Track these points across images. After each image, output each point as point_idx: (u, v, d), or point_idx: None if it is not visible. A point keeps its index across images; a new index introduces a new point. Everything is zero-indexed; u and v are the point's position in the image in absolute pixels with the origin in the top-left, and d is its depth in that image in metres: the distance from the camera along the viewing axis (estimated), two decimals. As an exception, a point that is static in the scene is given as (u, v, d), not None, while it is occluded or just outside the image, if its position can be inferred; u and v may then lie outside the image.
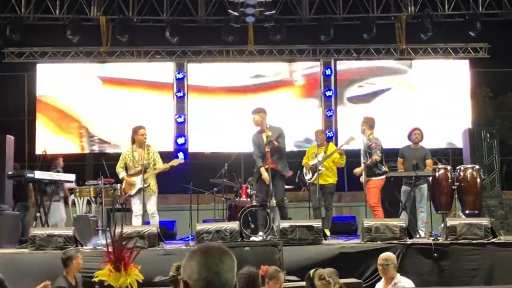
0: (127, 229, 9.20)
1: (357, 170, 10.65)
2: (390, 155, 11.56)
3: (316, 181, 10.62)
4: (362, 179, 10.46)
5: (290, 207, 12.18)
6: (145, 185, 9.74)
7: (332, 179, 10.94)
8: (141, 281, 5.31)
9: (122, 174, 9.93)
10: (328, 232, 10.45)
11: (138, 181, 9.79)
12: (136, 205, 9.85)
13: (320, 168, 10.64)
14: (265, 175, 9.62)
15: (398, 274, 7.27)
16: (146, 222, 9.94)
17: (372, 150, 10.30)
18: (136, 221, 9.76)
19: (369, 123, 10.64)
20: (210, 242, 7.68)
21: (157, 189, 10.02)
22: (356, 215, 13.88)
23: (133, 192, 9.83)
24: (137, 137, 9.94)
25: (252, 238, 9.75)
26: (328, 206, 10.93)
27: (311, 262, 8.29)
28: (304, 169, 11.17)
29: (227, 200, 12.25)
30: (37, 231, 9.34)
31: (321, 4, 15.23)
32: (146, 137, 9.95)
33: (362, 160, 10.47)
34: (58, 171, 11.77)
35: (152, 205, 9.88)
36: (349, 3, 15.14)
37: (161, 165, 9.97)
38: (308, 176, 11.00)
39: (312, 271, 6.58)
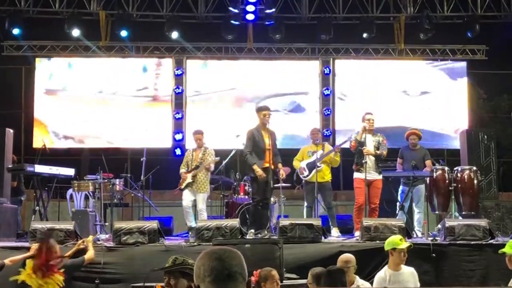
0: (128, 224, 9.26)
1: (371, 151, 10.40)
2: (389, 155, 11.60)
3: (313, 179, 10.61)
4: (365, 176, 10.16)
5: (286, 205, 12.24)
6: (191, 181, 10.56)
7: (328, 177, 10.95)
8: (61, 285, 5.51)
9: (181, 170, 10.86)
10: (337, 231, 10.52)
11: (189, 177, 10.61)
12: (184, 200, 10.67)
13: (319, 165, 10.66)
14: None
15: (358, 277, 7.16)
16: (146, 218, 9.97)
17: (383, 147, 10.44)
18: (185, 214, 10.61)
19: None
20: (214, 246, 7.72)
21: (207, 189, 10.78)
22: (352, 214, 13.90)
23: (182, 186, 10.70)
24: (194, 140, 10.97)
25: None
26: (330, 204, 10.94)
27: (311, 260, 8.37)
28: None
29: (225, 197, 12.25)
30: (37, 225, 9.35)
31: (321, 3, 15.22)
32: (200, 140, 10.87)
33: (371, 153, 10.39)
34: None
35: (200, 202, 10.60)
36: (349, 2, 15.15)
37: (206, 163, 10.64)
38: (305, 174, 10.92)
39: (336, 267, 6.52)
